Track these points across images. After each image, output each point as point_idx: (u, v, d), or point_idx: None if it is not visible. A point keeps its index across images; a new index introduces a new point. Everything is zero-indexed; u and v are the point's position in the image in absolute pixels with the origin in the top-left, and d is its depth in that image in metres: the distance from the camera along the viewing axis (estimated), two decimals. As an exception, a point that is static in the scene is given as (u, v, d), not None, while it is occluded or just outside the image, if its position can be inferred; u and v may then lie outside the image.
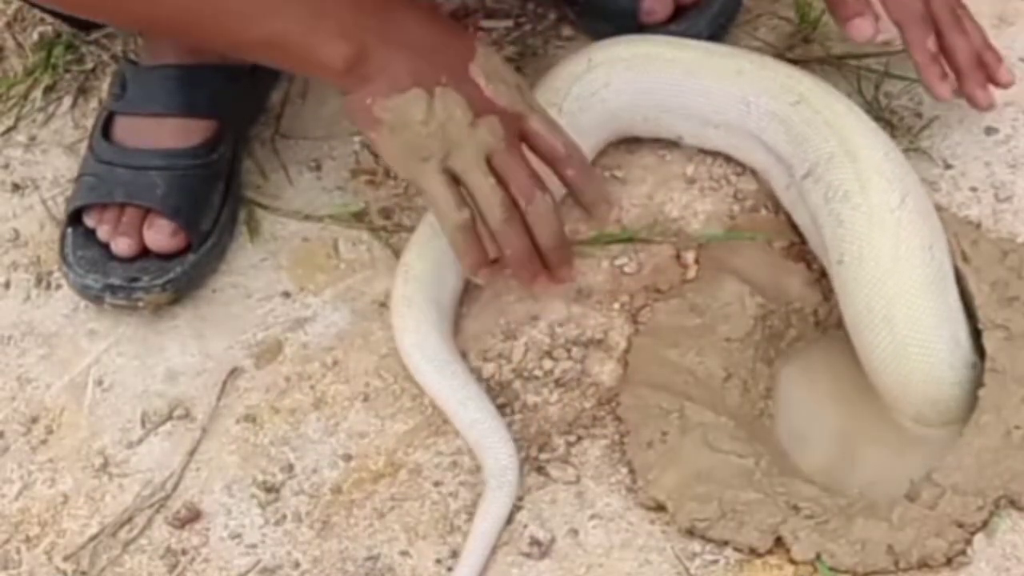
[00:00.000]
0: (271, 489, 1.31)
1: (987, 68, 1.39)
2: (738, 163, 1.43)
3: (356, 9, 1.24)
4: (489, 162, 1.25)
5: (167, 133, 1.43)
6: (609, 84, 1.41)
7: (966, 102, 1.39)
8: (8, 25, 1.63)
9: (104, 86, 1.55)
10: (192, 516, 1.31)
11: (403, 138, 1.25)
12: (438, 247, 1.33)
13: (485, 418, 1.29)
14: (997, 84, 1.39)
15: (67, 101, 1.57)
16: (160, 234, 1.41)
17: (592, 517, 1.27)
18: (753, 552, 1.23)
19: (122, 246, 1.40)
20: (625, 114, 1.42)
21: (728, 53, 1.42)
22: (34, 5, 1.47)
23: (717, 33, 1.49)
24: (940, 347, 1.27)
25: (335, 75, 1.25)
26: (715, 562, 1.23)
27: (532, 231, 1.27)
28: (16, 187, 1.52)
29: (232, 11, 1.23)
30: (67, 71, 1.59)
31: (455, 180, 1.26)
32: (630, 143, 1.47)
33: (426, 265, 1.36)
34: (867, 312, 1.27)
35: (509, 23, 1.57)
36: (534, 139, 1.28)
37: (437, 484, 1.30)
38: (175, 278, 1.40)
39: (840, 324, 1.33)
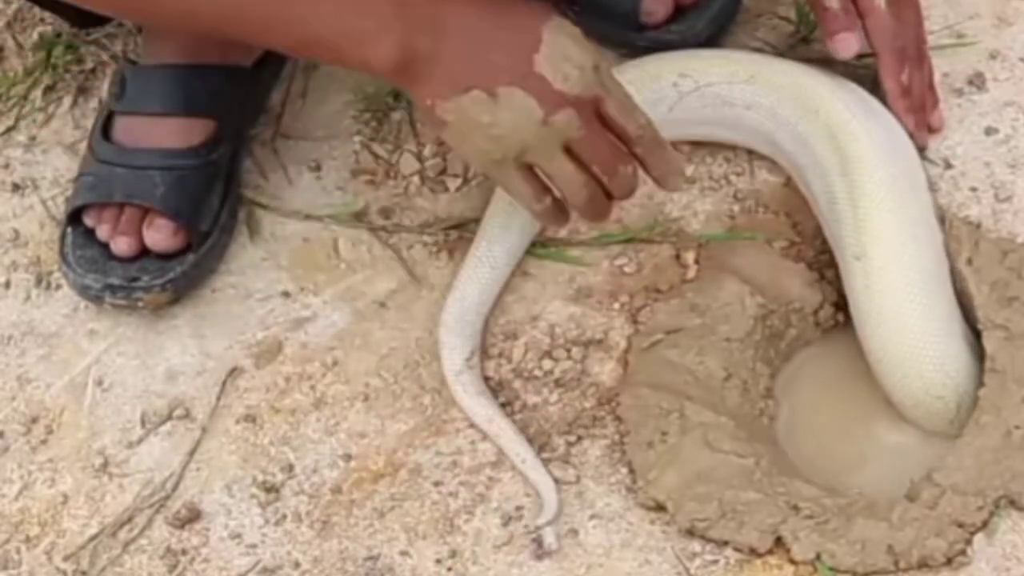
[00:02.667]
0: (271, 489, 1.31)
1: (924, 110, 1.40)
2: (738, 163, 1.43)
3: (405, 10, 1.18)
4: (568, 148, 1.22)
5: (167, 133, 1.43)
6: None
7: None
8: (8, 25, 1.63)
9: (104, 86, 1.55)
10: (192, 516, 1.31)
11: (472, 139, 1.21)
12: (489, 277, 1.36)
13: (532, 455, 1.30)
14: (929, 128, 1.41)
15: (67, 101, 1.57)
16: (160, 234, 1.40)
17: (592, 517, 1.27)
18: (753, 552, 1.23)
19: (121, 246, 1.40)
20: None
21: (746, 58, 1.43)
22: (38, 3, 1.47)
23: (717, 33, 1.49)
24: (947, 347, 1.27)
25: (385, 76, 1.21)
26: (715, 562, 1.23)
27: (611, 194, 1.25)
28: (16, 187, 1.52)
29: (277, 10, 1.19)
30: (67, 71, 1.59)
31: (532, 169, 1.23)
32: (630, 143, 1.47)
33: (477, 293, 1.36)
34: (878, 309, 1.28)
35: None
36: (608, 121, 1.23)
37: (437, 484, 1.30)
38: (175, 278, 1.40)
39: (840, 325, 1.34)
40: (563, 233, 1.41)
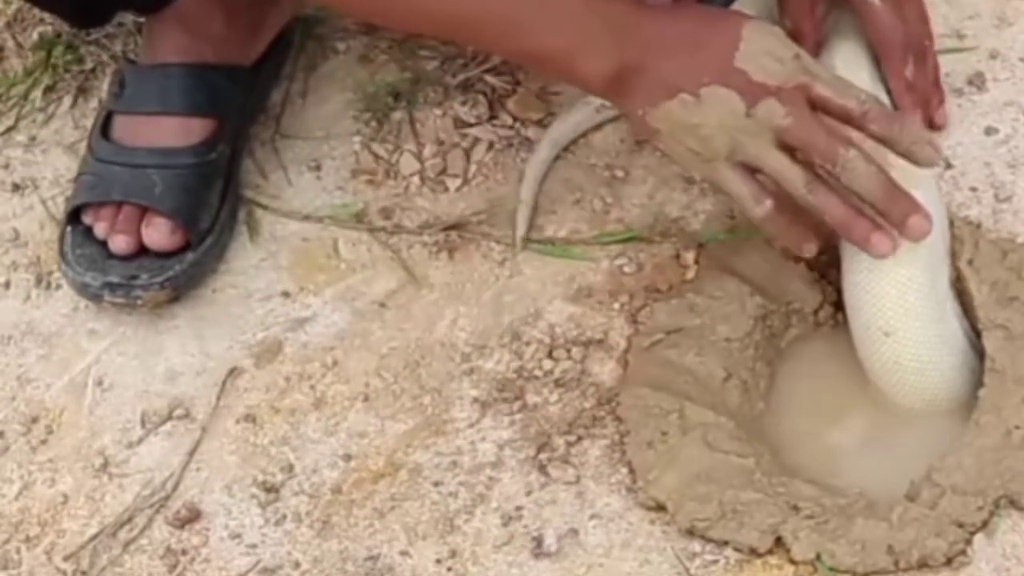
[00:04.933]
0: (271, 489, 1.31)
1: (929, 107, 1.40)
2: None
3: (613, 26, 1.22)
4: (782, 141, 1.21)
5: (165, 132, 1.43)
6: None
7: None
8: (8, 25, 1.63)
9: (104, 86, 1.55)
10: (192, 516, 1.31)
11: (684, 143, 1.23)
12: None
13: None
14: (932, 124, 1.40)
15: (67, 101, 1.57)
16: (158, 232, 1.41)
17: (592, 517, 1.27)
18: (753, 552, 1.23)
19: (119, 243, 1.40)
20: None
21: None
22: (37, 4, 1.47)
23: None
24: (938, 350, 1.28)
25: (597, 91, 1.27)
26: (715, 562, 1.23)
27: (852, 189, 1.22)
28: (16, 187, 1.52)
29: (499, 23, 1.24)
30: (67, 71, 1.59)
31: (751, 170, 1.23)
32: (630, 143, 1.47)
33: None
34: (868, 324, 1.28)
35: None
36: (824, 105, 1.22)
37: (437, 484, 1.30)
38: (174, 276, 1.40)
39: (839, 324, 1.34)
40: (563, 233, 1.42)
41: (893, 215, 1.23)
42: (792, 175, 1.22)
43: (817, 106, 1.22)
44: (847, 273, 1.29)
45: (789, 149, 1.22)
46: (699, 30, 1.24)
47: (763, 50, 1.22)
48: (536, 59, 1.28)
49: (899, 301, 1.26)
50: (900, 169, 1.23)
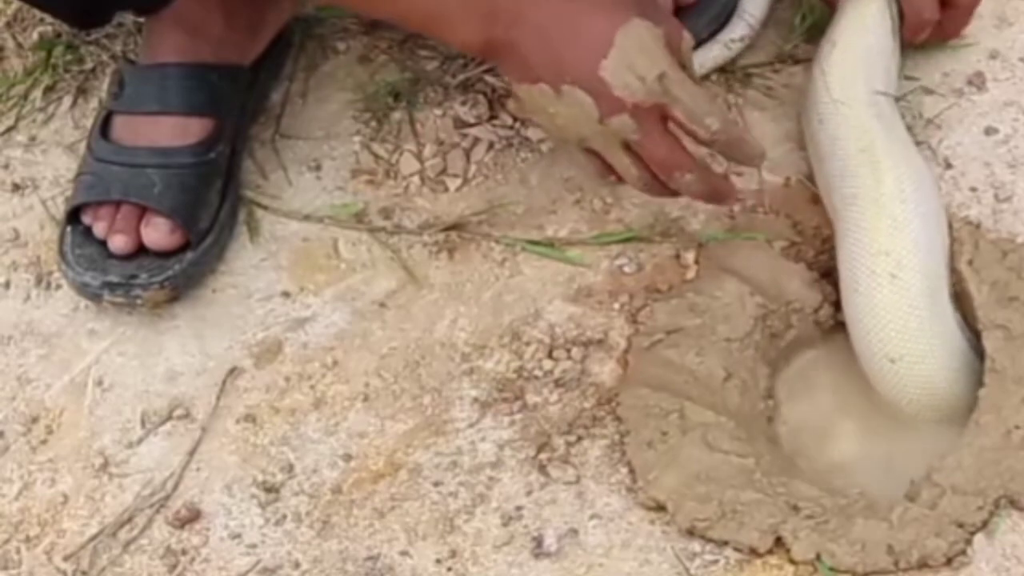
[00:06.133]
0: (271, 489, 1.31)
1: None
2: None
3: (484, 2, 1.26)
4: (629, 147, 1.28)
5: (165, 131, 1.43)
6: None
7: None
8: (8, 25, 1.63)
9: (104, 86, 1.55)
10: (192, 516, 1.31)
11: (540, 119, 1.30)
12: None
13: None
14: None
15: (67, 101, 1.57)
16: (157, 232, 1.41)
17: (592, 517, 1.27)
18: (753, 552, 1.23)
19: (118, 243, 1.40)
20: None
21: None
22: (37, 6, 1.47)
23: (717, 33, 1.49)
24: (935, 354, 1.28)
25: (475, 54, 1.39)
26: (715, 562, 1.23)
27: (680, 192, 1.31)
28: (16, 187, 1.52)
29: None
30: (67, 71, 1.59)
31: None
32: (630, 143, 1.47)
33: None
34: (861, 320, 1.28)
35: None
36: (678, 125, 1.27)
37: (437, 484, 1.30)
38: (173, 276, 1.40)
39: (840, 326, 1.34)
40: (564, 232, 1.42)
41: (715, 203, 1.36)
42: (630, 173, 1.29)
43: (673, 122, 1.27)
44: (847, 305, 1.30)
45: (633, 153, 1.28)
46: (574, 24, 1.26)
47: (629, 64, 1.24)
48: (414, 24, 1.34)
49: (901, 329, 1.26)
50: None
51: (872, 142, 1.33)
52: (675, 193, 1.31)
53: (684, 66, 1.28)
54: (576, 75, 1.25)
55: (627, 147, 1.28)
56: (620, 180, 1.31)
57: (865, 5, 1.40)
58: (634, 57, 1.25)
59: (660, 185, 1.30)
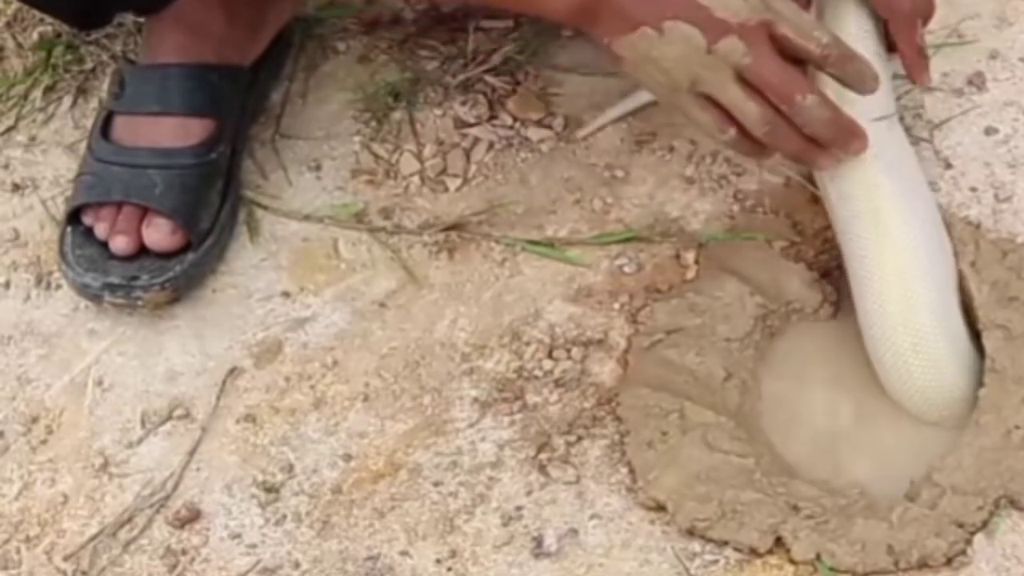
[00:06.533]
0: (271, 489, 1.31)
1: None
2: (738, 163, 1.43)
3: None
4: (742, 77, 1.24)
5: (165, 132, 1.43)
6: None
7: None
8: (8, 25, 1.63)
9: (104, 86, 1.55)
10: (192, 516, 1.31)
11: (647, 72, 1.26)
12: None
13: None
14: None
15: (67, 101, 1.57)
16: (158, 233, 1.41)
17: (592, 517, 1.27)
18: (753, 552, 1.23)
19: (120, 244, 1.40)
20: None
21: None
22: (37, 7, 1.47)
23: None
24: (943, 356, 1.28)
25: (566, 20, 1.31)
26: (715, 562, 1.23)
27: (804, 131, 1.26)
28: (16, 187, 1.52)
29: None
30: (67, 71, 1.59)
31: (713, 100, 1.25)
32: (631, 143, 1.47)
33: None
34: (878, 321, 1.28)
35: (509, 23, 1.57)
36: (785, 45, 1.24)
37: (437, 484, 1.30)
38: (174, 277, 1.40)
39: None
40: (564, 232, 1.42)
41: (839, 144, 1.28)
42: (748, 110, 1.25)
43: (779, 45, 1.24)
44: (861, 313, 1.30)
45: (749, 84, 1.24)
46: None
47: None
48: (510, 3, 1.34)
49: (912, 350, 1.27)
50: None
51: (879, 207, 1.31)
52: (794, 147, 1.27)
53: None
54: (676, 8, 1.23)
55: (741, 80, 1.24)
56: (741, 132, 1.26)
57: (841, 22, 1.36)
58: None
59: (787, 126, 1.25)
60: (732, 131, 1.26)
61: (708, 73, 1.24)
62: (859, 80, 1.27)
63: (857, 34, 1.34)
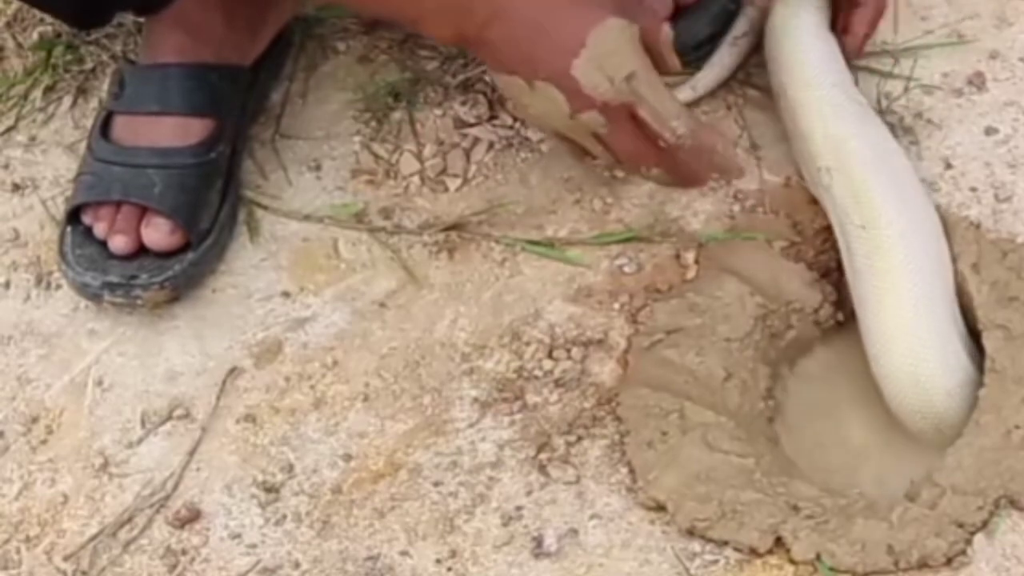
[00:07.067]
0: (271, 489, 1.31)
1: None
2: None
3: (454, 3, 1.28)
4: (597, 136, 1.32)
5: (165, 132, 1.43)
6: None
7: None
8: (8, 25, 1.63)
9: (104, 86, 1.55)
10: (192, 516, 1.31)
11: (516, 108, 1.38)
12: None
13: None
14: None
15: (67, 101, 1.57)
16: (158, 232, 1.41)
17: (592, 517, 1.27)
18: (753, 552, 1.23)
19: (119, 243, 1.40)
20: None
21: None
22: (37, 7, 1.47)
23: (717, 33, 1.49)
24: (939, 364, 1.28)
25: (451, 45, 1.42)
26: (715, 562, 1.23)
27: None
28: (16, 187, 1.52)
29: None
30: (67, 71, 1.59)
31: None
32: (630, 143, 1.47)
33: None
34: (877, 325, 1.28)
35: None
36: (643, 127, 1.31)
37: (437, 484, 1.30)
38: (174, 276, 1.40)
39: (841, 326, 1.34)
40: (564, 232, 1.42)
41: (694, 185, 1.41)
42: (606, 160, 1.36)
43: (639, 124, 1.31)
44: (864, 330, 1.30)
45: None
46: (548, 22, 1.29)
47: (599, 64, 1.28)
48: (391, 14, 1.39)
49: (911, 372, 1.27)
50: None
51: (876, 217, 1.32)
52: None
53: (662, 61, 1.31)
54: (548, 72, 1.28)
55: (598, 137, 1.32)
56: (594, 159, 1.36)
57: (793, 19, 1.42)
58: (605, 57, 1.28)
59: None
60: (587, 160, 1.38)
61: (569, 131, 1.33)
62: (719, 171, 1.37)
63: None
